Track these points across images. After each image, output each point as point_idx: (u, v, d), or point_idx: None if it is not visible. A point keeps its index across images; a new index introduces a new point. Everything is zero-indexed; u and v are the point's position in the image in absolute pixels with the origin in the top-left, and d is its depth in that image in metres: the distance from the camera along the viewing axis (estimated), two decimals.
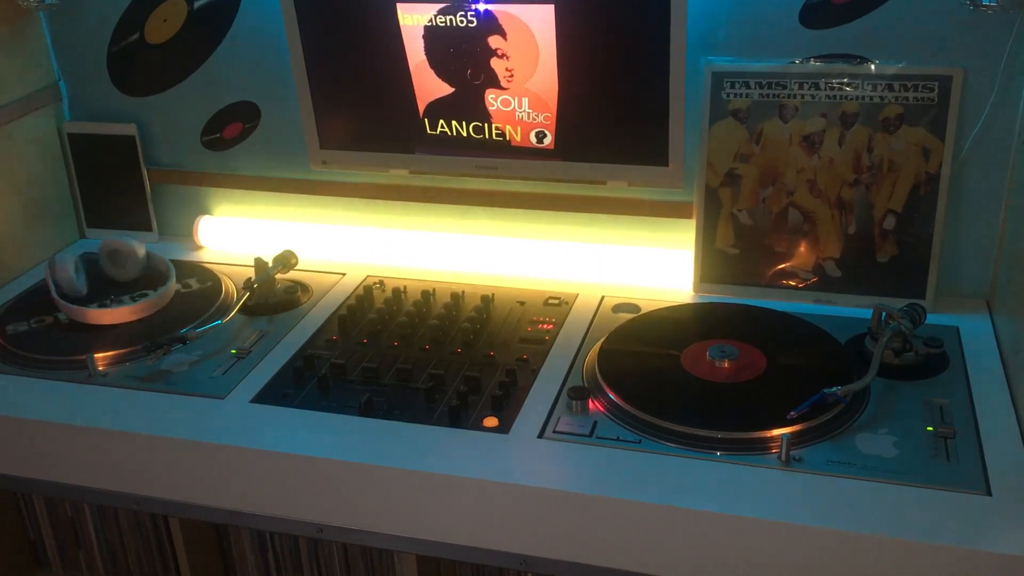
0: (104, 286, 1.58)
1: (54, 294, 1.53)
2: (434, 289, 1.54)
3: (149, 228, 1.79)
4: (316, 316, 1.50)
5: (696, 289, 1.52)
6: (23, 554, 1.59)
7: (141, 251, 1.61)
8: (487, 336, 1.41)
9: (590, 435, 1.19)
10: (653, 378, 1.28)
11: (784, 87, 1.40)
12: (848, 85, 1.38)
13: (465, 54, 1.45)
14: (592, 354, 1.34)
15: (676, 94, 1.38)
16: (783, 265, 1.48)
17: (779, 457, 1.12)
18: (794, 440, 1.13)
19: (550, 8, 1.38)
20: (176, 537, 1.46)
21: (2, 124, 1.66)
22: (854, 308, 1.43)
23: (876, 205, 1.41)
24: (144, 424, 1.26)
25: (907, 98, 1.36)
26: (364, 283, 1.59)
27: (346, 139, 1.59)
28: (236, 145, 1.73)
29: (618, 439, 1.18)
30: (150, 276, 1.60)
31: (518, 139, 1.50)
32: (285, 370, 1.36)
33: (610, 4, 1.37)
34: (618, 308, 1.48)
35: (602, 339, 1.37)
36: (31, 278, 1.69)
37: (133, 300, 1.52)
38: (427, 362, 1.35)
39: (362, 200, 1.69)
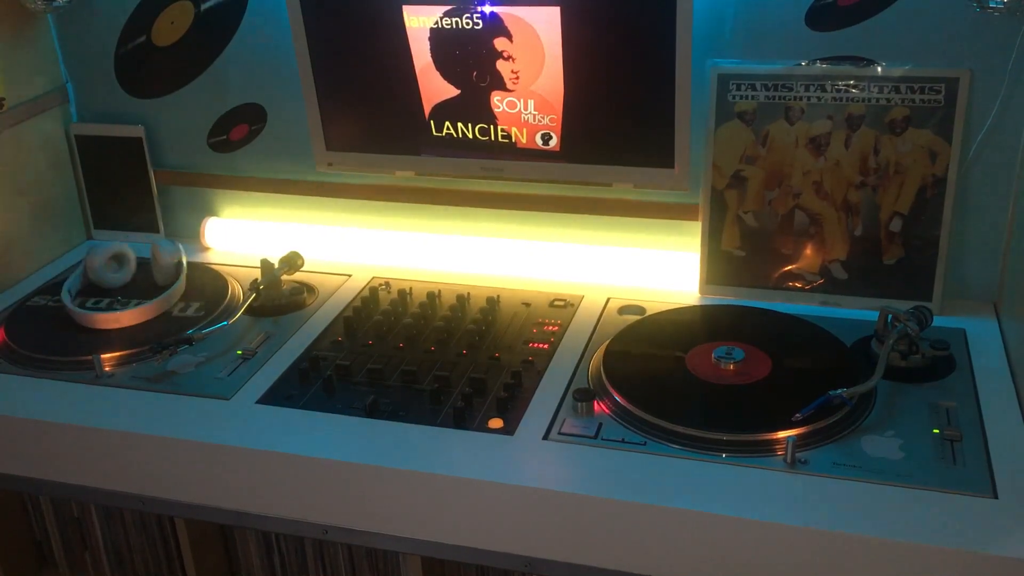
0: (144, 283, 1.60)
1: (66, 297, 1.52)
2: (439, 291, 1.54)
3: (156, 230, 1.79)
4: (322, 317, 1.50)
5: (702, 291, 1.51)
6: (29, 554, 1.59)
7: (131, 263, 1.62)
8: (492, 338, 1.41)
9: (595, 437, 1.19)
10: (658, 380, 1.28)
11: (790, 89, 1.40)
12: (854, 87, 1.37)
13: (471, 56, 1.46)
14: (597, 356, 1.34)
15: (682, 96, 1.38)
16: (789, 267, 1.48)
17: (785, 459, 1.12)
18: (800, 442, 1.13)
19: (556, 10, 1.38)
20: (182, 538, 1.47)
21: (10, 126, 1.67)
22: (860, 310, 1.42)
23: (883, 207, 1.41)
24: (150, 425, 1.27)
25: (913, 100, 1.36)
26: (370, 284, 1.59)
27: (352, 141, 1.59)
28: (243, 147, 1.73)
29: (623, 441, 1.17)
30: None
31: (524, 141, 1.50)
32: (291, 371, 1.36)
33: (616, 6, 1.37)
34: (624, 310, 1.47)
35: (607, 341, 1.37)
36: (40, 278, 1.69)
37: (136, 304, 1.52)
38: (432, 363, 1.35)
39: (368, 202, 1.69)
